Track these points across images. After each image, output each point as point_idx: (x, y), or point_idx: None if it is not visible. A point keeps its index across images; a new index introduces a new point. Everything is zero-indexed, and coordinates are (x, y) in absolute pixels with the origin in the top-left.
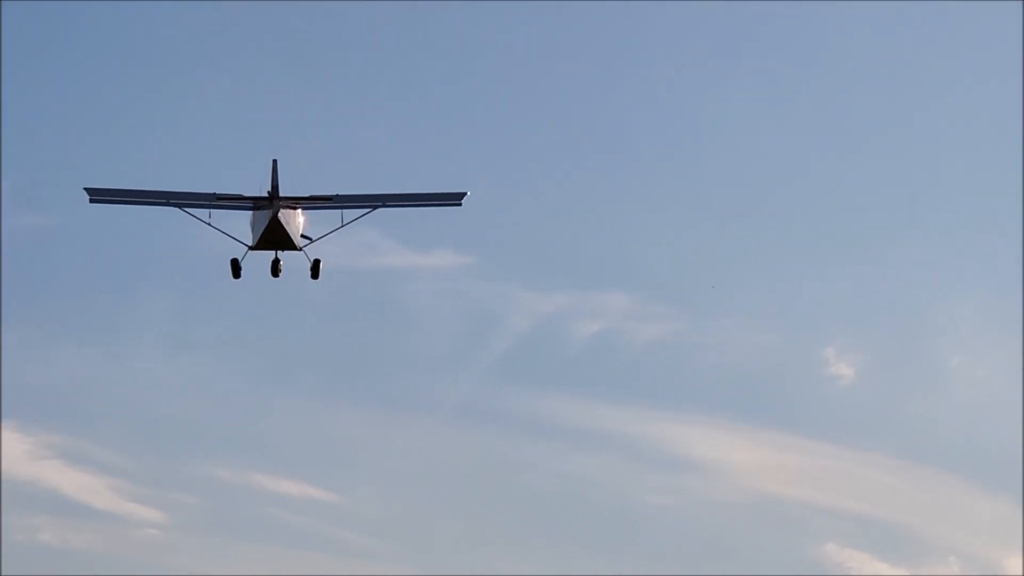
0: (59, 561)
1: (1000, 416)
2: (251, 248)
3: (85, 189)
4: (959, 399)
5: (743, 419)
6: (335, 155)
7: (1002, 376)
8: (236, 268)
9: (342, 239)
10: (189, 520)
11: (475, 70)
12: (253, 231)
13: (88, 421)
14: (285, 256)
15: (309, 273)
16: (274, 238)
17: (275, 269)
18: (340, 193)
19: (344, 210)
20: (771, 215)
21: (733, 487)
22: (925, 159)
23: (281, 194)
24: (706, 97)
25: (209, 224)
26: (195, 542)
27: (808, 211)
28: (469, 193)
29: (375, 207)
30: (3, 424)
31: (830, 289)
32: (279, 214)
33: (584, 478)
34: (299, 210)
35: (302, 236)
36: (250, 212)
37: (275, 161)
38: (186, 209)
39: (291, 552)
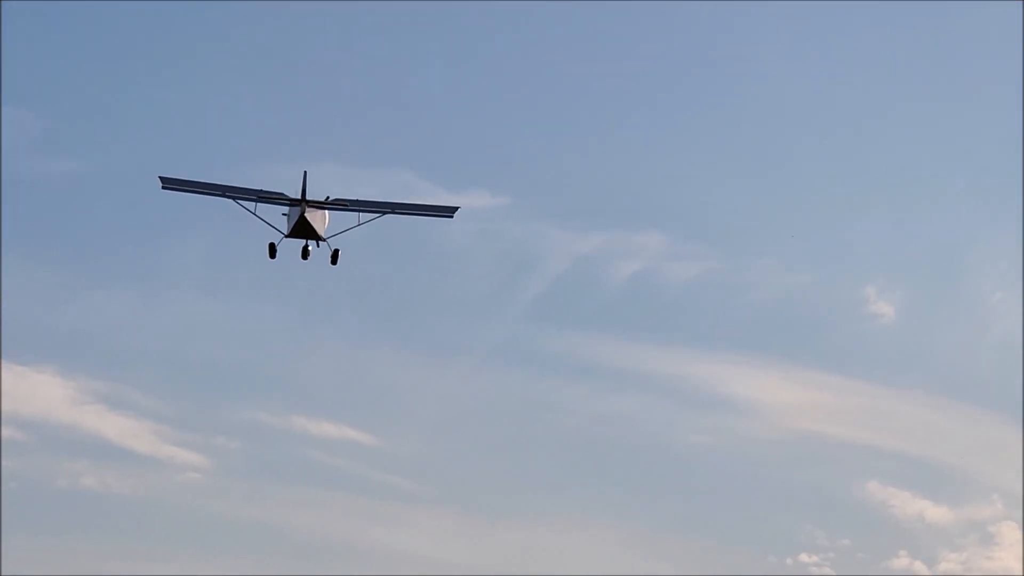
0: (101, 505)
1: None
2: (286, 236)
3: (160, 177)
4: (999, 336)
5: (782, 358)
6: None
7: None
8: (273, 250)
9: (377, 179)
10: (230, 464)
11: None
12: (288, 223)
13: (129, 366)
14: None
15: (330, 260)
16: (303, 231)
17: (304, 253)
18: (358, 199)
19: (360, 212)
20: (809, 154)
21: (772, 426)
22: (965, 100)
23: (309, 197)
24: (744, 39)
25: (255, 214)
26: (236, 485)
27: (847, 149)
28: (461, 207)
29: (384, 213)
30: (43, 369)
31: (869, 228)
32: (306, 213)
33: (622, 418)
34: (324, 211)
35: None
36: (287, 208)
37: (305, 172)
38: (238, 201)
39: (331, 494)
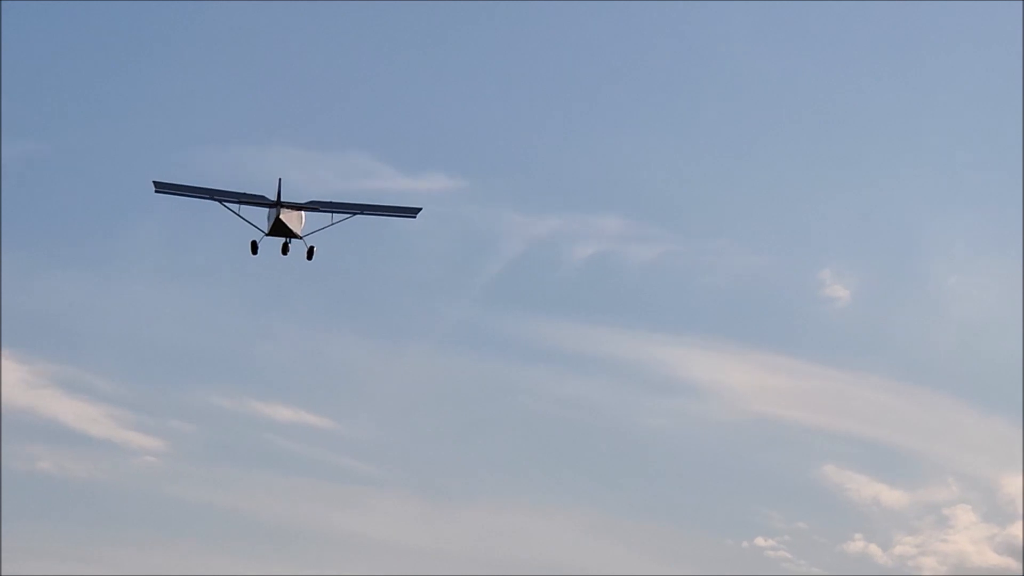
0: (58, 489)
1: (997, 335)
2: (266, 234)
3: (154, 182)
4: (956, 319)
5: (739, 341)
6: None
7: (999, 295)
8: (255, 247)
9: (335, 162)
10: (187, 448)
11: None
12: (267, 223)
13: (85, 350)
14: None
15: (306, 255)
16: (279, 230)
17: (284, 249)
18: (331, 201)
19: (333, 213)
20: (768, 137)
21: (729, 409)
22: (922, 79)
23: (287, 199)
24: (705, 22)
25: (239, 215)
26: (193, 469)
27: (804, 132)
28: (423, 209)
29: (355, 214)
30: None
31: (826, 210)
32: (281, 214)
33: (580, 401)
34: (301, 212)
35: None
36: (267, 209)
37: (280, 179)
38: (224, 203)
39: (288, 478)
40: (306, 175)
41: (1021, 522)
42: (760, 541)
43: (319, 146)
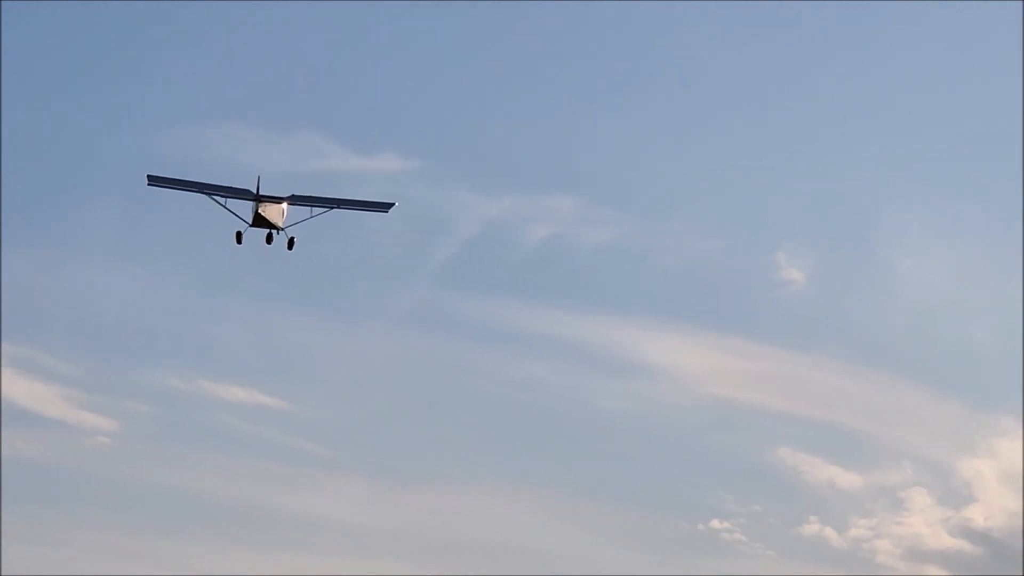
0: (10, 468)
1: (951, 319)
2: (250, 225)
3: (148, 176)
4: (910, 302)
5: (694, 323)
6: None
7: (953, 278)
8: (239, 237)
9: (286, 142)
10: (140, 428)
11: None
12: (251, 215)
13: (39, 330)
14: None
15: (286, 245)
16: (260, 222)
17: (268, 239)
18: (311, 195)
19: (312, 207)
20: (723, 120)
21: (684, 391)
22: (874, 63)
23: (262, 195)
24: (652, 6)
25: (225, 207)
26: (146, 450)
27: (759, 116)
28: (396, 204)
29: (332, 208)
30: None
31: (780, 194)
32: (260, 208)
33: (534, 383)
34: (283, 204)
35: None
36: (251, 203)
37: (259, 177)
38: (212, 197)
39: (241, 459)
40: (258, 155)
41: (976, 505)
42: (715, 523)
43: (271, 126)
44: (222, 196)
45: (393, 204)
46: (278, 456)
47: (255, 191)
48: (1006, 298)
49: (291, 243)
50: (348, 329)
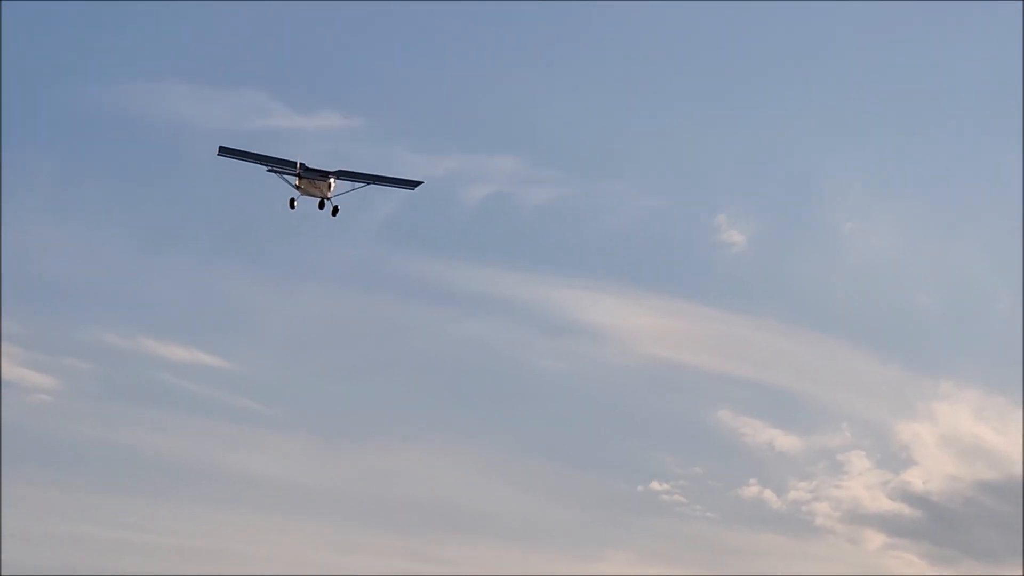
0: None
1: (893, 282)
2: (301, 195)
3: (220, 147)
4: (852, 265)
5: (635, 284)
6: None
7: (895, 241)
8: (292, 203)
9: (228, 99)
10: (80, 385)
11: None
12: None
13: None
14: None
15: (331, 213)
16: (305, 192)
17: (320, 205)
18: (351, 171)
19: (353, 182)
20: (663, 79)
21: (625, 352)
22: (817, 21)
23: (308, 169)
24: None
25: (284, 179)
26: (86, 407)
27: (700, 76)
28: (424, 182)
29: (368, 183)
30: None
31: (721, 155)
32: (301, 181)
33: (474, 342)
34: (330, 179)
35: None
36: (303, 175)
37: (300, 161)
38: (274, 170)
39: (181, 417)
40: (201, 112)
41: (915, 468)
42: (655, 485)
43: (214, 83)
44: (280, 170)
45: (421, 182)
46: (218, 414)
47: (309, 167)
48: (948, 262)
49: (335, 210)
50: (289, 287)
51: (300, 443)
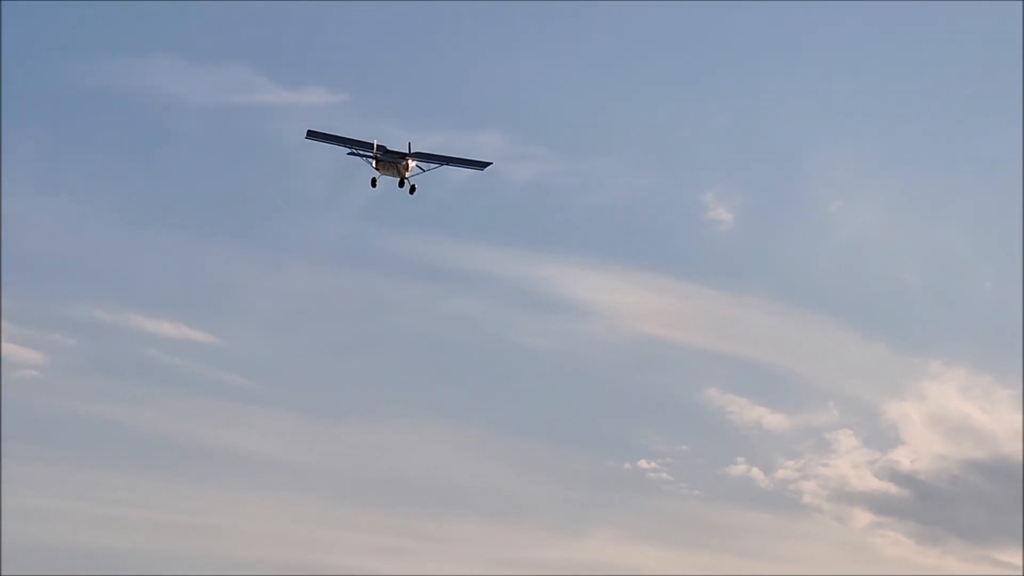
0: None
1: (879, 260)
2: (380, 175)
3: (308, 130)
4: (838, 243)
5: (622, 261)
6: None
7: (881, 219)
8: (373, 183)
9: (213, 75)
10: (68, 361)
11: None
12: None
13: None
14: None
15: (408, 191)
16: (383, 172)
17: (400, 184)
18: (427, 153)
19: (428, 163)
20: (652, 56)
21: (612, 329)
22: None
23: (387, 151)
24: None
25: (367, 160)
26: (74, 382)
27: (689, 56)
28: (493, 163)
29: (441, 164)
30: None
31: (709, 134)
32: (379, 163)
33: (461, 319)
34: (408, 159)
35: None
36: (382, 158)
37: (375, 142)
38: (356, 153)
39: (169, 392)
40: (187, 87)
41: (902, 447)
42: (643, 463)
43: (199, 58)
44: (362, 153)
45: (490, 163)
46: (206, 390)
47: (390, 148)
48: (934, 241)
49: (412, 189)
50: (276, 263)
51: (286, 419)
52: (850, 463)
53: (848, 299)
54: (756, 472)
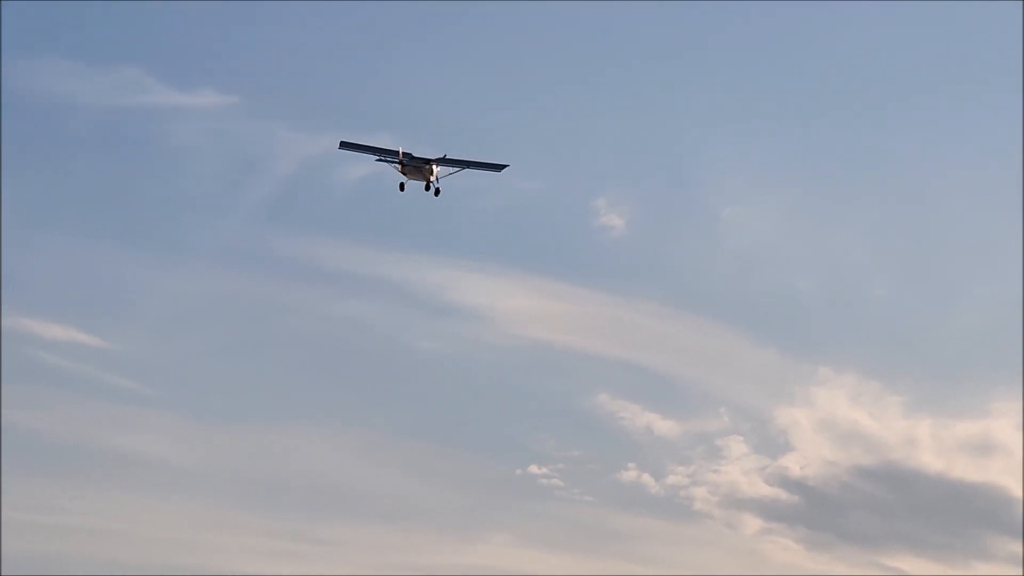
0: None
1: (771, 266)
2: (407, 180)
3: (341, 141)
4: (731, 249)
5: (513, 266)
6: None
7: (773, 226)
8: (401, 187)
9: (106, 77)
10: None
11: None
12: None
13: None
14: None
15: (433, 194)
16: (410, 176)
17: (426, 187)
18: (451, 158)
19: (450, 167)
20: (542, 60)
21: (503, 333)
22: (700, 13)
23: (412, 157)
24: None
25: (395, 167)
26: None
27: (579, 59)
28: (510, 165)
29: (462, 168)
30: None
31: (602, 140)
32: (405, 168)
33: (352, 322)
34: (432, 164)
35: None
36: (407, 163)
37: (400, 149)
38: (383, 159)
39: (58, 395)
40: (79, 89)
41: (792, 454)
42: (534, 468)
43: (91, 60)
44: (389, 160)
45: (507, 165)
46: (94, 393)
47: (414, 156)
48: (826, 248)
49: (437, 192)
50: (167, 266)
51: (176, 422)
52: (740, 469)
53: (739, 305)
54: (647, 478)
